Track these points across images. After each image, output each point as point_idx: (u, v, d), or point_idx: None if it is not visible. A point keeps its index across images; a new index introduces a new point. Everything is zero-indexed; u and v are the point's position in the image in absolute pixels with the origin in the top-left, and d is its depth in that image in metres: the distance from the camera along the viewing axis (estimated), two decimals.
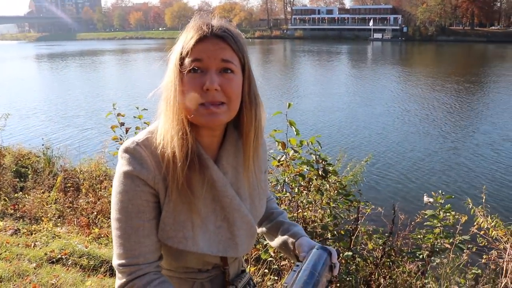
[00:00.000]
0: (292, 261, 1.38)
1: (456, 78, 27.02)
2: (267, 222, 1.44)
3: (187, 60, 1.07)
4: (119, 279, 1.10)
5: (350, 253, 3.51)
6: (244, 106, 1.14)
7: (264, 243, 3.32)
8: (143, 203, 1.08)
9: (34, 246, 4.12)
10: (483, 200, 4.49)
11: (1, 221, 4.88)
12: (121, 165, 1.09)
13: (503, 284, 3.94)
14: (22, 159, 8.02)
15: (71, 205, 5.80)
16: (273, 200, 1.52)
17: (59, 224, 5.10)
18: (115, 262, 1.10)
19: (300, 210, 3.80)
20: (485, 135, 13.24)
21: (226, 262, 1.23)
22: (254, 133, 1.17)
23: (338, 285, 3.57)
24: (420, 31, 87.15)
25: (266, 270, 3.49)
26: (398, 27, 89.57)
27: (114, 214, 1.09)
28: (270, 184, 3.94)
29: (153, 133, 1.12)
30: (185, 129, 1.07)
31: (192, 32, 1.09)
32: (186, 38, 1.09)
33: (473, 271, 3.98)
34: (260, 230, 1.45)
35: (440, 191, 4.01)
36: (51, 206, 5.62)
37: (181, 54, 1.08)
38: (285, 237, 1.35)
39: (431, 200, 8.36)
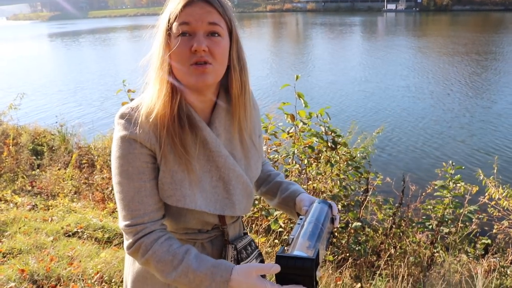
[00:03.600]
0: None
1: (470, 48, 26.40)
2: (265, 184, 1.48)
3: (175, 25, 1.10)
4: (126, 240, 1.15)
5: (359, 224, 3.55)
6: (233, 69, 1.18)
7: (274, 214, 3.37)
8: (142, 164, 1.12)
9: (51, 220, 4.24)
10: (495, 171, 4.47)
11: (20, 197, 5.01)
12: (118, 131, 1.13)
13: None
14: (38, 138, 8.17)
15: (86, 181, 5.93)
16: (268, 164, 1.56)
17: (75, 200, 5.23)
18: (121, 224, 1.14)
19: (310, 182, 3.84)
20: (497, 104, 13.05)
21: (224, 221, 1.27)
22: (243, 96, 1.22)
23: (348, 254, 3.62)
24: (434, 1, 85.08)
25: (277, 241, 3.56)
26: None
27: (115, 178, 1.13)
28: (280, 156, 3.98)
29: (144, 98, 1.16)
30: (172, 88, 1.12)
31: None
32: (173, 4, 1.12)
33: (483, 241, 4.00)
34: (259, 192, 1.50)
35: (450, 162, 4.00)
36: (67, 183, 5.75)
37: (169, 20, 1.12)
38: (285, 195, 1.39)
39: None
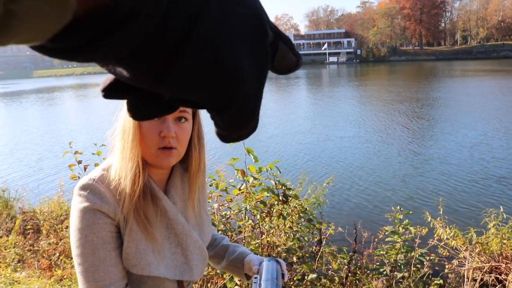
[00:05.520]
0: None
1: (404, 96, 27.99)
2: (212, 248, 1.53)
3: None
4: None
5: (314, 275, 3.55)
6: (193, 147, 1.26)
7: None
8: (107, 234, 1.13)
9: None
10: (441, 212, 4.66)
11: None
12: (80, 202, 1.12)
13: None
14: None
15: (31, 248, 5.62)
16: (212, 228, 1.61)
17: (18, 269, 4.94)
18: None
19: (264, 236, 3.83)
20: (429, 150, 13.71)
21: (183, 286, 1.29)
22: (200, 171, 1.30)
23: None
24: (373, 52, 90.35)
25: None
26: (352, 50, 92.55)
27: (77, 250, 1.11)
28: (233, 212, 3.97)
29: (106, 170, 1.18)
30: (140, 167, 1.16)
31: None
32: None
33: (436, 281, 4.09)
34: None
35: (398, 207, 4.14)
36: (9, 251, 5.43)
37: None
38: (233, 257, 1.47)
39: None
